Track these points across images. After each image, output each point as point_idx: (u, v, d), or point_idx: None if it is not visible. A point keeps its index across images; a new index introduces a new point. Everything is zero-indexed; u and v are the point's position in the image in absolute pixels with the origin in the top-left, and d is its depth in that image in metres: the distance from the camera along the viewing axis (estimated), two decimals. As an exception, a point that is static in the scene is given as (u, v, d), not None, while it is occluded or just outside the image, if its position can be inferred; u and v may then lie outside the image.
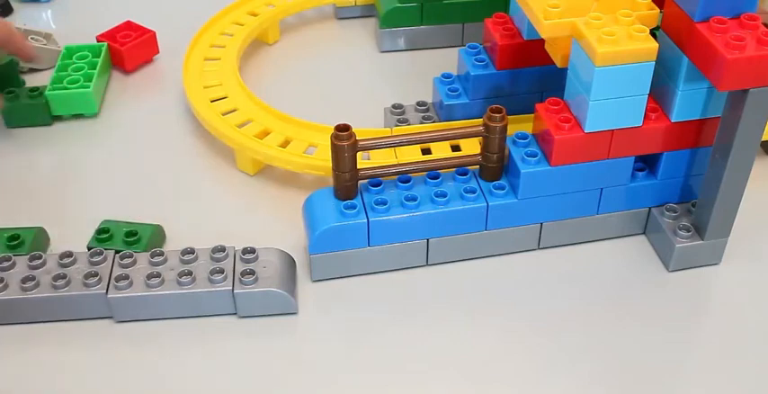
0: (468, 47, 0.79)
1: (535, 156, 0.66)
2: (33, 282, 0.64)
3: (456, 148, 0.75)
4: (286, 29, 0.99)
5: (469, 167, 0.69)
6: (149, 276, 0.64)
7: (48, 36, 0.92)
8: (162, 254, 0.66)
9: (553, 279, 0.69)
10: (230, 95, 0.82)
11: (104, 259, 0.65)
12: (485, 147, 0.66)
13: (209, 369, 0.63)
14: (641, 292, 0.68)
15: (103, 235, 0.68)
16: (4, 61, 0.84)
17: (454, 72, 0.81)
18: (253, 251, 0.66)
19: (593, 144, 0.65)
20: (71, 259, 0.65)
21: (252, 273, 0.65)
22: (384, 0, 0.94)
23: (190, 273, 0.64)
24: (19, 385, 0.62)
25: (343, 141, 0.63)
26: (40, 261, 0.65)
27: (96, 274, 0.64)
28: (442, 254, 0.70)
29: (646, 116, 0.65)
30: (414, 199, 0.66)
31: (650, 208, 0.71)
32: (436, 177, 0.68)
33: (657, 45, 0.60)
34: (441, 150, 0.75)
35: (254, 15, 0.94)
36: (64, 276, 0.64)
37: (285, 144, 0.77)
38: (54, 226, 0.72)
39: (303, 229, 0.69)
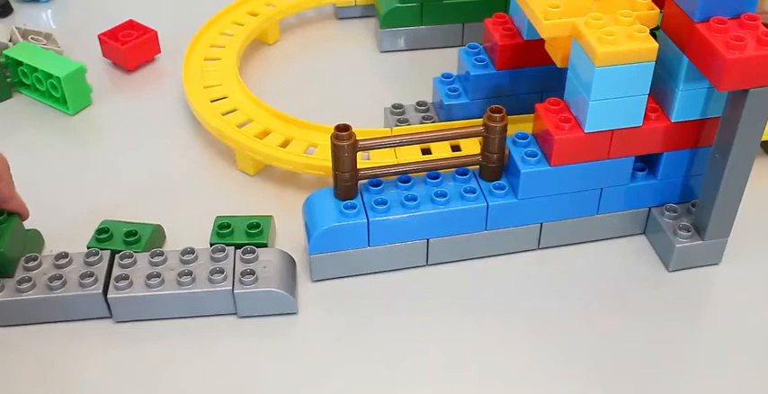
0: (468, 47, 0.79)
1: (535, 156, 0.66)
2: (29, 284, 0.64)
3: (456, 148, 0.75)
4: (286, 29, 0.99)
5: (469, 167, 0.69)
6: (149, 276, 0.64)
7: (48, 36, 0.92)
8: (162, 254, 0.66)
9: (553, 279, 0.69)
10: (230, 95, 0.82)
11: (100, 259, 0.65)
12: (485, 147, 0.66)
13: (209, 369, 0.63)
14: (641, 292, 0.68)
15: (103, 235, 0.68)
16: None
17: (454, 72, 0.81)
18: (253, 251, 0.66)
19: (593, 144, 0.65)
20: (67, 260, 0.65)
21: (252, 273, 0.65)
22: (384, 0, 0.94)
23: (190, 273, 0.64)
24: (18, 385, 0.62)
25: (343, 141, 0.63)
26: (36, 262, 0.65)
27: (92, 274, 0.64)
28: (442, 254, 0.70)
29: (646, 116, 0.65)
30: (414, 199, 0.66)
31: (650, 208, 0.71)
32: (436, 177, 0.68)
33: (657, 45, 0.60)
34: (441, 150, 0.75)
35: (254, 15, 0.94)
36: (60, 277, 0.64)
37: (285, 144, 0.77)
38: (54, 226, 0.72)
39: (303, 229, 0.69)
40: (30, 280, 0.64)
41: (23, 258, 0.66)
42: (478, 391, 0.61)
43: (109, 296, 0.64)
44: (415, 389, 0.62)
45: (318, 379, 0.62)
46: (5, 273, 0.65)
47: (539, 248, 0.71)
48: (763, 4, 0.80)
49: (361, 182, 0.67)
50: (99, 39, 0.92)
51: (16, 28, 0.91)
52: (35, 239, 0.70)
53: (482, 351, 0.64)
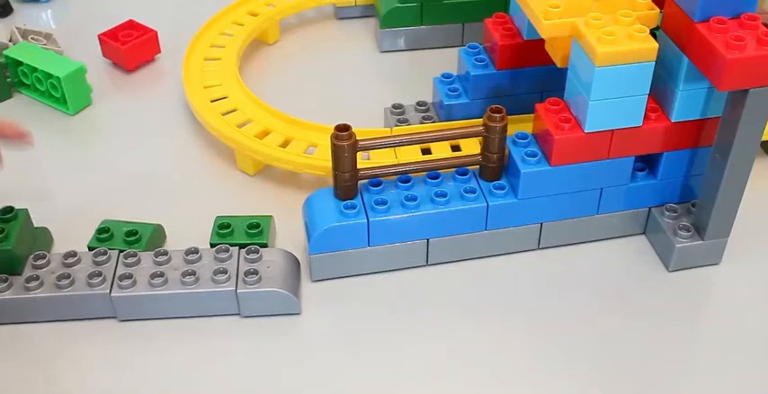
0: (468, 47, 0.79)
1: (535, 156, 0.66)
2: (37, 282, 0.64)
3: (456, 148, 0.75)
4: (286, 29, 0.99)
5: (469, 167, 0.69)
6: (153, 276, 0.64)
7: (48, 36, 0.92)
8: (166, 253, 0.66)
9: (553, 279, 0.69)
10: (230, 95, 0.82)
11: (108, 259, 0.66)
12: (485, 147, 0.67)
13: (212, 369, 0.63)
14: (641, 292, 0.68)
15: (103, 234, 0.68)
16: None
17: (454, 72, 0.81)
18: (257, 251, 0.66)
19: (593, 144, 0.65)
20: (75, 259, 0.65)
21: (255, 272, 0.65)
22: (384, 0, 0.94)
23: (193, 273, 0.64)
24: (21, 384, 0.62)
25: (343, 141, 0.63)
26: (44, 260, 0.65)
27: (100, 274, 0.65)
28: (442, 254, 0.70)
29: (646, 116, 0.65)
30: (414, 199, 0.66)
31: (650, 208, 0.71)
32: (436, 177, 0.68)
33: (657, 45, 0.60)
34: (441, 150, 0.75)
35: (254, 15, 0.94)
36: (68, 276, 0.64)
37: (285, 144, 0.77)
38: (54, 225, 0.72)
39: (303, 229, 0.69)
40: (38, 278, 0.64)
41: (32, 256, 0.66)
42: (478, 391, 0.62)
43: (112, 295, 0.64)
44: (415, 388, 0.62)
45: (320, 378, 0.62)
46: (13, 271, 0.65)
47: (539, 248, 0.72)
48: (763, 4, 0.80)
49: (361, 182, 0.67)
50: (99, 39, 0.92)
51: (16, 28, 0.91)
52: (44, 237, 0.70)
53: (482, 351, 0.64)
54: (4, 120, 0.67)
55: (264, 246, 0.68)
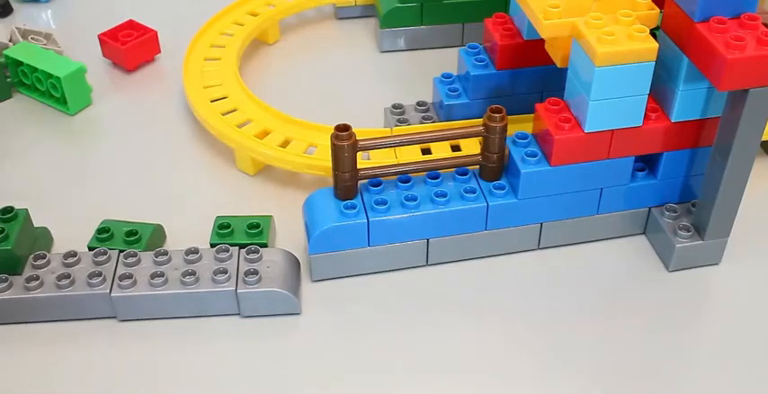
0: (468, 47, 0.79)
1: (535, 156, 0.66)
2: (37, 282, 0.64)
3: (456, 148, 0.75)
4: (286, 29, 0.99)
5: (469, 167, 0.69)
6: (153, 275, 0.64)
7: (48, 36, 0.92)
8: (166, 253, 0.66)
9: (553, 279, 0.69)
10: (230, 95, 0.82)
11: (108, 259, 0.66)
12: (485, 147, 0.67)
13: (212, 369, 0.63)
14: (641, 292, 0.68)
15: (103, 234, 0.68)
16: None
17: (454, 72, 0.81)
18: (257, 251, 0.66)
19: (594, 144, 0.65)
20: (75, 259, 0.66)
21: (255, 272, 0.65)
22: (384, 0, 0.94)
23: (193, 273, 0.64)
24: (21, 385, 0.62)
25: (343, 141, 0.63)
26: (44, 260, 0.65)
27: (100, 274, 0.65)
28: (442, 254, 0.70)
29: (646, 116, 0.65)
30: (414, 199, 0.66)
31: (650, 208, 0.71)
32: (436, 177, 0.68)
33: (657, 45, 0.60)
34: (441, 150, 0.75)
35: (254, 15, 0.94)
36: (68, 276, 0.64)
37: (285, 144, 0.77)
38: (54, 226, 0.72)
39: (303, 229, 0.69)
40: (38, 278, 0.64)
41: (32, 256, 0.66)
42: (479, 391, 0.62)
43: (112, 295, 0.64)
44: (415, 388, 0.62)
45: (320, 378, 0.62)
46: (13, 271, 0.65)
47: (539, 248, 0.72)
48: (763, 4, 0.80)
49: (361, 182, 0.67)
50: (99, 39, 0.92)
51: (16, 28, 0.91)
52: (44, 237, 0.70)
53: (482, 351, 0.64)
54: None
55: (264, 246, 0.68)
